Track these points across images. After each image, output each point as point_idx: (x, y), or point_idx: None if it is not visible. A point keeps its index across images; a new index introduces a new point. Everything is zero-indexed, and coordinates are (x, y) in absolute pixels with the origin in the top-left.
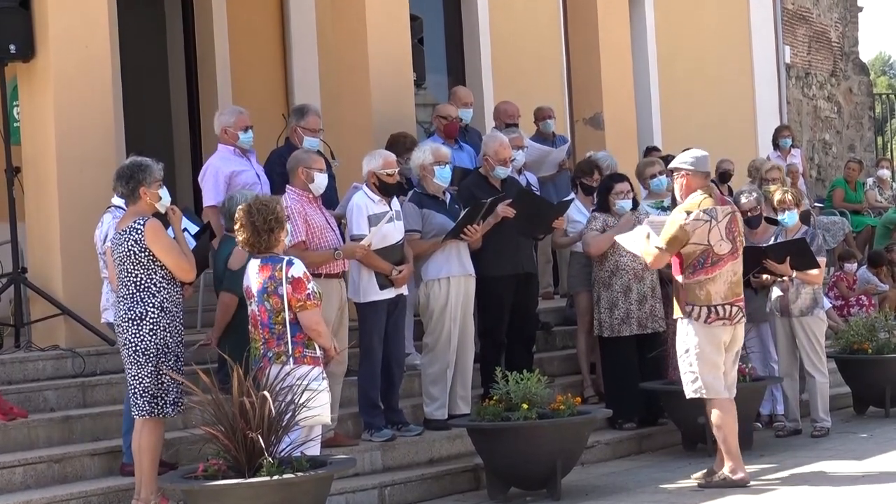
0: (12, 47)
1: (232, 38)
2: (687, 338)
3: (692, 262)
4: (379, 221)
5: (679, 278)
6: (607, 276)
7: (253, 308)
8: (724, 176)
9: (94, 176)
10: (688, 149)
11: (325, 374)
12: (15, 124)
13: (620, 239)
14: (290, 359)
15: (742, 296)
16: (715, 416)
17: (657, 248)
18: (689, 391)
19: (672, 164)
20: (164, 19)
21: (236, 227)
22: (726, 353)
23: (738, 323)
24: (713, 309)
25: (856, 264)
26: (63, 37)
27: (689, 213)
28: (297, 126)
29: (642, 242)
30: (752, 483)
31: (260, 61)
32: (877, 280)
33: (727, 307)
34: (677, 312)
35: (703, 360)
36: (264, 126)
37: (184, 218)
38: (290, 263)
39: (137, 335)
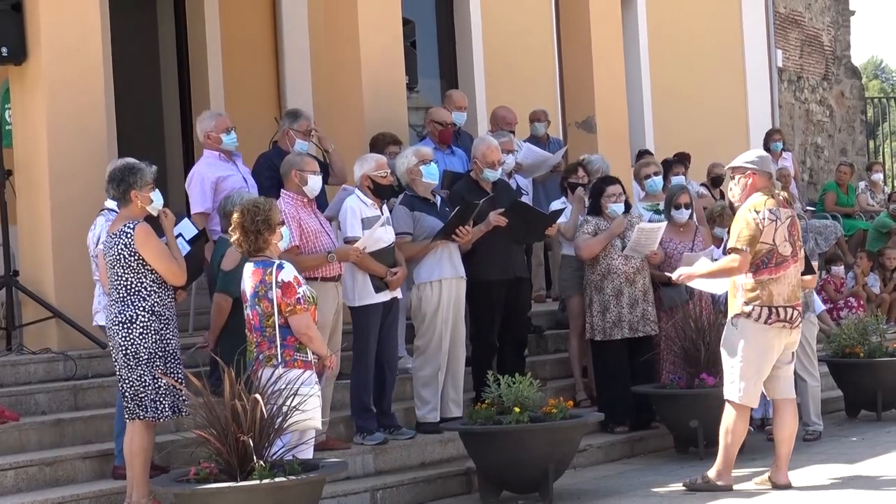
0: (4, 50)
1: (224, 42)
2: (736, 339)
3: (756, 261)
4: (372, 224)
5: (741, 277)
6: (599, 279)
7: (247, 312)
8: (716, 180)
9: (85, 179)
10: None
11: (316, 379)
12: (7, 127)
13: (698, 284)
14: (281, 362)
15: (801, 300)
16: (730, 418)
17: (734, 249)
18: (727, 392)
19: (734, 164)
20: (156, 23)
21: (230, 227)
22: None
23: (797, 327)
24: (774, 310)
25: (843, 267)
26: (55, 40)
27: (757, 211)
28: (290, 129)
29: (711, 264)
30: (740, 487)
31: (252, 66)
32: (843, 271)
33: (788, 310)
34: (733, 311)
35: (749, 365)
36: (257, 130)
37: (187, 221)
38: (279, 267)
39: (128, 338)
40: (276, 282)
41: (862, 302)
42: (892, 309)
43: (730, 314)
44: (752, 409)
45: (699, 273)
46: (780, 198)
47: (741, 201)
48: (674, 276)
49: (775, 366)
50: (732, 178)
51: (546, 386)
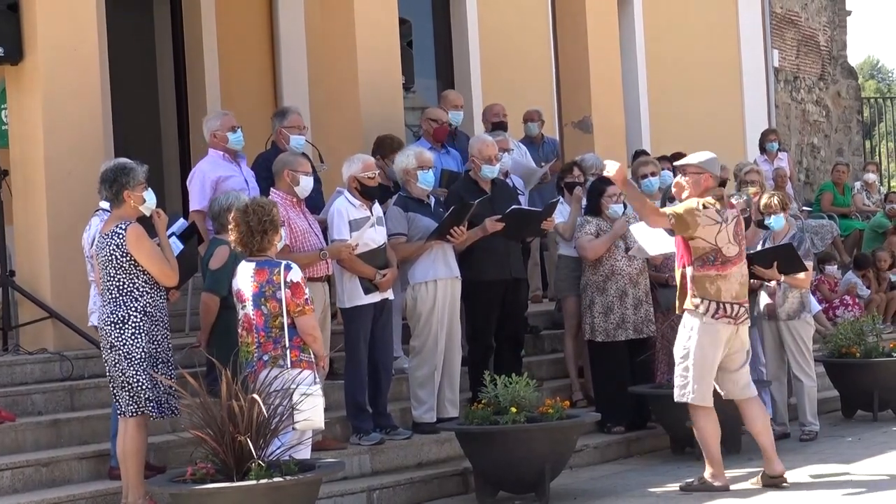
0: (1, 50)
1: (221, 41)
2: (689, 341)
3: (700, 256)
4: (360, 226)
5: (688, 270)
6: (602, 280)
7: (247, 312)
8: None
9: (82, 179)
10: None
11: (318, 379)
12: (3, 127)
13: (639, 238)
14: (287, 362)
15: (747, 298)
16: (697, 422)
17: (666, 211)
18: (677, 395)
19: (680, 163)
20: (153, 23)
21: (230, 226)
22: (732, 356)
23: (742, 324)
24: (722, 305)
25: (836, 266)
26: (52, 40)
27: (704, 206)
28: (281, 128)
29: (643, 198)
30: (738, 487)
31: (249, 65)
32: (860, 282)
33: (735, 306)
34: (685, 304)
35: (698, 366)
36: (253, 130)
37: (182, 220)
38: (288, 268)
39: (120, 339)
40: (286, 282)
41: (858, 301)
42: (888, 309)
43: (678, 311)
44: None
45: (629, 190)
46: (727, 199)
47: (688, 199)
48: (609, 166)
49: (729, 369)
50: (680, 175)
51: (542, 386)
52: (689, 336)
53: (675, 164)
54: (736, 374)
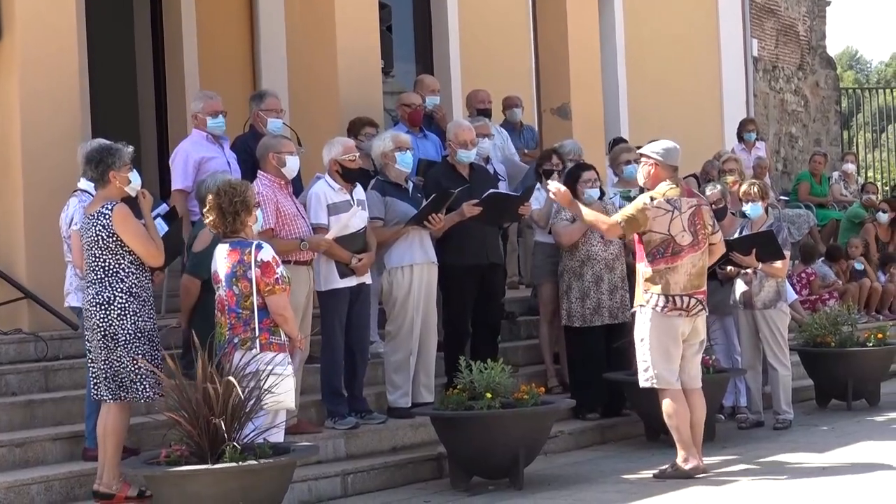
0: None
1: (200, 22)
2: (643, 327)
3: (652, 250)
4: (339, 210)
5: (640, 266)
6: (578, 265)
7: (220, 293)
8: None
9: (59, 159)
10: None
11: (290, 360)
12: None
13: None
14: (256, 345)
15: (703, 288)
16: (666, 405)
17: (615, 220)
18: (642, 380)
19: (641, 151)
20: (132, 4)
21: (205, 209)
22: (686, 344)
23: (697, 315)
24: (671, 298)
25: (821, 262)
26: (30, 19)
27: (652, 199)
28: (258, 111)
29: (589, 210)
30: (711, 473)
31: (228, 47)
32: (831, 273)
33: (685, 298)
34: (637, 300)
35: (656, 351)
36: (231, 112)
37: (164, 205)
38: (259, 247)
39: (106, 320)
40: (256, 261)
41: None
42: (861, 298)
43: (635, 303)
44: (723, 398)
45: (576, 210)
46: (687, 186)
47: (647, 188)
48: (551, 187)
49: (683, 357)
50: (639, 162)
51: (518, 372)
52: (643, 323)
53: (637, 152)
54: (687, 362)
